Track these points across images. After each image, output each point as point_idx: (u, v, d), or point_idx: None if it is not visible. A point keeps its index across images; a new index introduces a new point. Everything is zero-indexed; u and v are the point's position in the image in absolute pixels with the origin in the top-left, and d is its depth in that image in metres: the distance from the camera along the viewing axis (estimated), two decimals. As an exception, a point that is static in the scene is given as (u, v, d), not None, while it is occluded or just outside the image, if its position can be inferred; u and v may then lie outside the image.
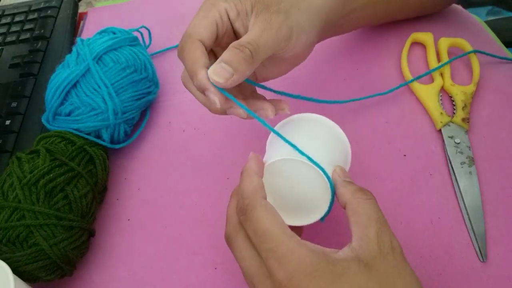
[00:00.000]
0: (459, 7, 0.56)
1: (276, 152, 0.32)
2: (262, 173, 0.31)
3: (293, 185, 0.32)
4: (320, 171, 0.30)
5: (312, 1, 0.36)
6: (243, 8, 0.34)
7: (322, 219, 0.33)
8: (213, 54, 0.36)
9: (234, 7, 0.34)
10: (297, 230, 0.33)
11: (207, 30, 0.33)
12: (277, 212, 0.29)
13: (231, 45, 0.31)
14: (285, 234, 0.27)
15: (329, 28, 0.40)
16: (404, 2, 0.49)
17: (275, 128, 0.35)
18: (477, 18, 0.56)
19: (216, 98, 0.31)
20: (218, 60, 0.30)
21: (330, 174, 0.31)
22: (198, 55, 0.32)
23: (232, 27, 0.35)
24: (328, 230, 0.38)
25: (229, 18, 0.34)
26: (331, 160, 0.32)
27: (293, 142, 0.31)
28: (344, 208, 0.30)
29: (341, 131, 0.34)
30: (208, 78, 0.30)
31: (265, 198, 0.30)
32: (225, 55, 0.30)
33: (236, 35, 0.35)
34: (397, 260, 0.27)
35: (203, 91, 0.31)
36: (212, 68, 0.30)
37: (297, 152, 0.31)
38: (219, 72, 0.30)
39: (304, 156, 0.30)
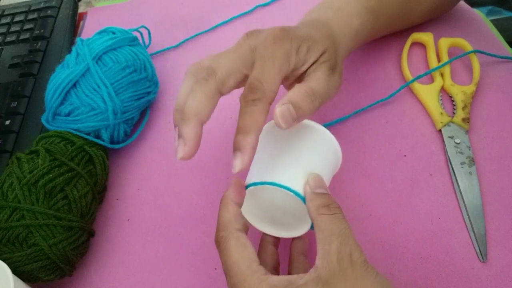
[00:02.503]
0: (462, 3, 0.55)
1: (258, 169, 0.32)
2: (241, 199, 0.31)
3: (276, 203, 0.32)
4: (298, 198, 0.30)
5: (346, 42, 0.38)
6: (310, 58, 0.33)
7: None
8: None
9: (303, 58, 0.33)
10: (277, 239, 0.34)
11: (278, 87, 0.31)
12: (248, 246, 0.29)
13: (302, 88, 0.31)
14: (249, 269, 0.28)
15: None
16: (416, 13, 0.49)
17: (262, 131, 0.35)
18: (480, 15, 0.55)
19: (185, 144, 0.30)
20: (284, 99, 0.30)
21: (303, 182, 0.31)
22: (262, 119, 0.30)
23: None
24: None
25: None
26: (313, 168, 0.32)
27: (276, 153, 0.32)
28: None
29: (328, 133, 0.33)
30: (253, 146, 0.30)
31: (239, 230, 0.30)
32: (296, 97, 0.30)
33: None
34: (356, 274, 0.26)
35: (239, 148, 0.30)
36: (280, 109, 0.29)
37: (278, 171, 0.31)
38: (285, 115, 0.30)
39: (282, 187, 0.30)
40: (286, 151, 0.32)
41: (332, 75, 0.34)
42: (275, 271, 0.34)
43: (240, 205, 0.31)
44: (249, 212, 0.33)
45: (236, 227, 0.30)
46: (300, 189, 0.30)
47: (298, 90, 0.31)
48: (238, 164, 0.29)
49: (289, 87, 0.35)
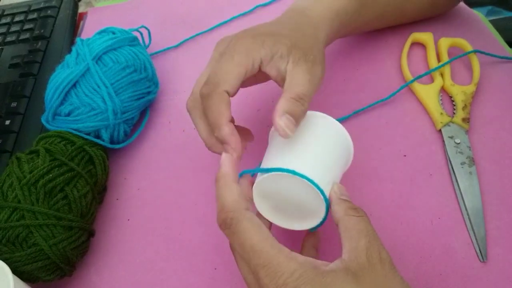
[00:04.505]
0: (461, 4, 0.55)
1: (275, 157, 0.32)
2: (237, 177, 0.32)
3: (289, 194, 0.32)
4: (318, 190, 0.30)
5: (323, 31, 0.38)
6: (278, 51, 0.34)
7: (313, 229, 0.33)
8: None
9: (269, 52, 0.34)
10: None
11: (237, 79, 0.33)
12: (263, 225, 0.29)
13: (290, 96, 0.32)
14: (274, 248, 0.27)
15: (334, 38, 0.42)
16: (411, 4, 0.49)
17: (271, 131, 0.35)
18: (480, 15, 0.55)
19: (234, 153, 0.32)
20: (279, 111, 0.31)
21: (327, 181, 0.31)
22: (223, 108, 0.32)
23: (259, 69, 0.34)
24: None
25: (260, 63, 0.34)
26: (331, 165, 0.32)
27: (293, 144, 0.32)
28: (337, 225, 0.30)
29: (343, 128, 0.34)
30: (231, 133, 0.32)
31: (248, 209, 0.30)
32: (288, 107, 0.31)
33: (257, 75, 0.35)
34: (386, 271, 0.27)
35: (222, 143, 0.33)
36: (282, 122, 0.30)
37: (296, 162, 0.31)
38: (288, 125, 0.31)
39: (303, 177, 0.30)
40: (300, 143, 0.32)
41: (312, 68, 0.34)
42: None
43: (237, 183, 0.31)
44: (261, 202, 0.33)
45: (245, 207, 0.29)
46: (318, 181, 0.30)
47: (286, 100, 0.32)
48: (233, 153, 0.32)
49: (278, 79, 0.35)
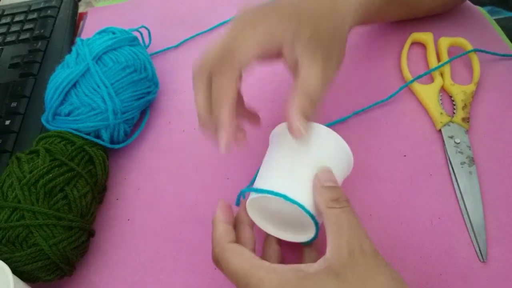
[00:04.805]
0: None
1: (269, 173, 0.32)
2: (228, 217, 0.32)
3: (282, 211, 0.32)
4: (308, 215, 0.30)
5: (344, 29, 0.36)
6: (299, 38, 0.32)
7: (306, 243, 0.34)
8: None
9: (291, 37, 0.32)
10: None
11: (256, 55, 0.32)
12: (245, 249, 0.30)
13: (304, 94, 0.31)
14: (253, 267, 0.28)
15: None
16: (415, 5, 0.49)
17: (273, 132, 0.35)
18: (481, 11, 0.55)
19: (225, 136, 0.32)
20: (296, 110, 0.30)
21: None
22: (231, 86, 0.31)
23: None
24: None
25: (281, 47, 0.33)
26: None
27: (287, 157, 0.32)
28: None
29: (339, 138, 0.33)
30: (230, 117, 0.31)
31: (232, 242, 0.31)
32: (302, 106, 0.31)
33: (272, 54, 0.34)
34: (368, 264, 0.27)
35: (217, 125, 0.32)
36: (298, 123, 0.30)
37: (285, 182, 0.31)
38: (304, 125, 0.31)
39: (293, 202, 0.30)
40: (296, 158, 0.32)
41: (327, 63, 0.33)
42: None
43: (228, 223, 0.32)
44: (255, 213, 0.33)
45: (228, 240, 0.31)
46: (308, 203, 0.30)
47: (300, 98, 0.31)
48: (221, 141, 0.31)
49: (291, 66, 0.34)
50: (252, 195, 0.32)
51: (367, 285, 0.26)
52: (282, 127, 0.34)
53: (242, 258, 0.29)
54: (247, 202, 0.33)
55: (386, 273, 0.27)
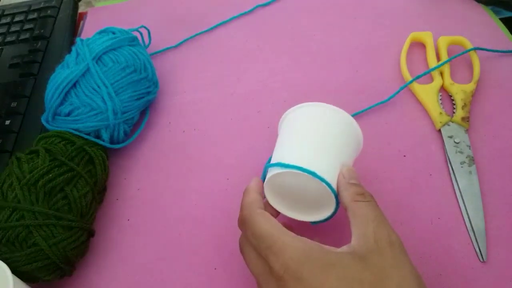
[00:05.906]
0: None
1: (284, 152, 0.33)
2: (261, 190, 0.34)
3: (299, 188, 0.33)
4: (325, 185, 0.31)
5: None
6: None
7: (324, 220, 0.34)
8: None
9: None
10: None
11: None
12: (273, 218, 0.31)
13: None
14: (280, 231, 0.29)
15: None
16: None
17: (286, 113, 0.36)
18: (485, 9, 0.55)
19: None
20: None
21: (336, 172, 0.32)
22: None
23: None
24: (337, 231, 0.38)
25: None
26: (340, 155, 0.33)
27: (302, 137, 0.33)
28: (345, 210, 0.31)
29: (351, 118, 0.35)
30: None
31: (262, 208, 0.32)
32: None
33: None
34: (395, 253, 0.27)
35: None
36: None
37: (305, 157, 0.31)
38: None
39: (309, 173, 0.30)
40: (309, 136, 0.33)
41: None
42: None
43: (260, 194, 0.33)
44: (271, 194, 0.34)
45: (259, 206, 0.32)
46: (327, 176, 0.31)
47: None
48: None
49: None
50: (269, 174, 0.32)
51: (392, 273, 0.26)
52: (296, 110, 0.35)
53: (270, 222, 0.30)
54: (264, 183, 0.33)
55: (411, 268, 0.27)
